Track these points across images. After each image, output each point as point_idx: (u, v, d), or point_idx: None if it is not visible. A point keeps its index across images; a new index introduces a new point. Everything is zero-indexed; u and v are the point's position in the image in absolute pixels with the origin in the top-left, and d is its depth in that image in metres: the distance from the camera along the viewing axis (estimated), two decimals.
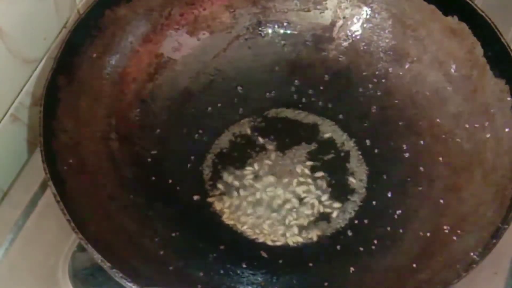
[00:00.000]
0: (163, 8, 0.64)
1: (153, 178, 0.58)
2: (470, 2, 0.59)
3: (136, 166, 0.59)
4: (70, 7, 0.65)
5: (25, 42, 0.58)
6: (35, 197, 0.59)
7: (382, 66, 0.65)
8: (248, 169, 0.60)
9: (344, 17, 0.67)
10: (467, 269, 0.46)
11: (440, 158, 0.58)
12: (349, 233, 0.56)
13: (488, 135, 0.56)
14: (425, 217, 0.55)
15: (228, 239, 0.56)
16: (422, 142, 0.60)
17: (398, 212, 0.56)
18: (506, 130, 0.54)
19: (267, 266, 0.54)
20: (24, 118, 0.62)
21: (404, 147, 0.60)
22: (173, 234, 0.55)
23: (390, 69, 0.65)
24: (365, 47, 0.66)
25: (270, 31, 0.68)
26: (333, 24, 0.67)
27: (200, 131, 0.62)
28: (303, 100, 0.65)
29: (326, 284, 0.52)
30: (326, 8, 0.67)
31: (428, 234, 0.53)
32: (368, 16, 0.66)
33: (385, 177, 0.59)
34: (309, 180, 0.59)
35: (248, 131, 0.63)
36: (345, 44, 0.67)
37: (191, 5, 0.66)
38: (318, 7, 0.67)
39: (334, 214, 0.57)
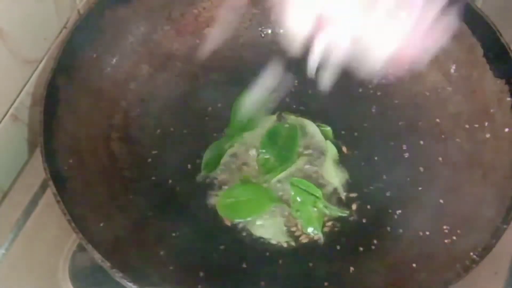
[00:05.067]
0: (163, 8, 0.64)
1: (153, 178, 0.58)
2: (469, 3, 0.59)
3: (136, 166, 0.59)
4: (70, 8, 0.65)
5: (25, 42, 0.58)
6: (35, 197, 0.59)
7: (382, 66, 0.65)
8: (248, 169, 0.60)
9: None
10: (467, 269, 0.47)
11: (440, 158, 0.58)
12: (349, 233, 0.56)
13: (488, 135, 0.56)
14: (425, 217, 0.55)
15: (228, 239, 0.56)
16: (422, 142, 0.60)
17: (398, 212, 0.57)
18: (506, 130, 0.54)
19: (267, 266, 0.54)
20: (25, 118, 0.62)
21: (404, 147, 0.60)
22: (173, 234, 0.55)
23: (390, 70, 0.65)
24: None
25: (270, 31, 0.68)
26: None
27: (201, 131, 0.62)
28: (303, 100, 0.65)
29: (326, 284, 0.52)
30: None
31: (428, 234, 0.53)
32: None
33: (385, 177, 0.59)
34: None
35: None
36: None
37: (191, 6, 0.66)
38: None
39: (334, 214, 0.57)
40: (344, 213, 0.57)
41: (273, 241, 0.56)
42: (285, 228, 0.56)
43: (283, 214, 0.57)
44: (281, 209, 0.57)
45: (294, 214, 0.57)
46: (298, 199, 0.58)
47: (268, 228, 0.56)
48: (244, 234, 0.56)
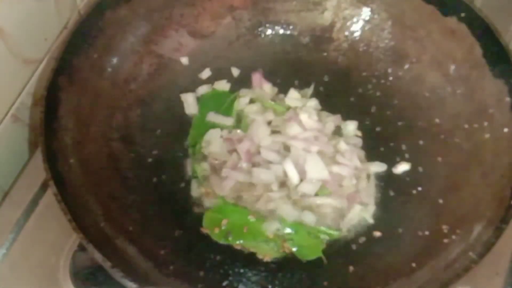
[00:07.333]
0: (163, 8, 0.64)
1: (154, 179, 0.58)
2: (469, 3, 0.59)
3: (136, 166, 0.59)
4: (71, 8, 0.65)
5: (26, 42, 0.58)
6: (36, 197, 0.59)
7: (381, 66, 0.66)
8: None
9: (343, 18, 0.67)
10: (466, 269, 0.47)
11: (439, 158, 0.58)
12: (349, 233, 0.56)
13: (487, 135, 0.56)
14: (425, 217, 0.55)
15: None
16: (421, 142, 0.60)
17: (398, 212, 0.57)
18: (505, 130, 0.54)
19: (267, 266, 0.54)
20: (25, 118, 0.62)
21: (404, 147, 0.61)
22: (173, 234, 0.55)
23: (390, 70, 0.65)
24: (364, 48, 0.66)
25: (270, 32, 0.69)
26: (332, 24, 0.67)
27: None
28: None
29: (326, 283, 0.52)
30: (326, 9, 0.67)
31: (428, 234, 0.54)
32: (367, 17, 0.66)
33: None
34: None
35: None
36: (345, 44, 0.67)
37: (191, 6, 0.66)
38: (318, 8, 0.68)
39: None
40: (337, 232, 0.55)
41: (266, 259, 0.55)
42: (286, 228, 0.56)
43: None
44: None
45: (291, 245, 0.55)
46: (289, 230, 0.55)
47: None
48: None
